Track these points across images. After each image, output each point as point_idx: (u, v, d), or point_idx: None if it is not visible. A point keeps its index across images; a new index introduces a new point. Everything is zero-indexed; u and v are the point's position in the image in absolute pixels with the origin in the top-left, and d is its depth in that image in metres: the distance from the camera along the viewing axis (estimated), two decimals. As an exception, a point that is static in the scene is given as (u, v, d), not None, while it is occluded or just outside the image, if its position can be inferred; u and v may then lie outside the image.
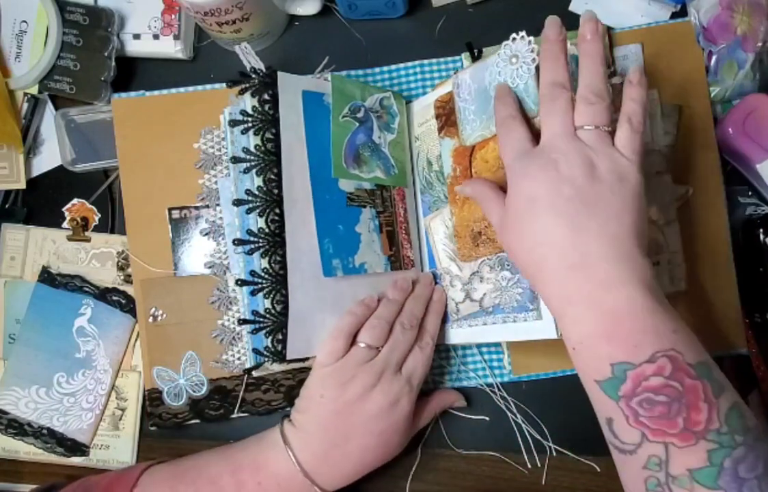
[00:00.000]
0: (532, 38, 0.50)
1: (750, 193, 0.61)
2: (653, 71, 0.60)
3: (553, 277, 0.44)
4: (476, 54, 0.61)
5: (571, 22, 0.62)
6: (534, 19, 0.63)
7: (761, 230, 0.58)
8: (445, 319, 0.57)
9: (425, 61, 0.63)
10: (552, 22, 0.48)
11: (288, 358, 0.51)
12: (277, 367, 0.54)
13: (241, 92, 0.52)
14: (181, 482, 0.53)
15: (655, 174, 0.60)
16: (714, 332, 0.59)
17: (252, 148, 0.51)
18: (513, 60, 0.51)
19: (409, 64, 0.63)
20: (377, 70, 0.63)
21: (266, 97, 0.52)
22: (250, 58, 0.53)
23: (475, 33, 0.62)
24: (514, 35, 0.50)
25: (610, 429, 0.42)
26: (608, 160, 0.44)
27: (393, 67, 0.63)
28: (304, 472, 0.52)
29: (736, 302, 0.59)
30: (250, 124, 0.52)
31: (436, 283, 0.59)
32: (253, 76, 0.52)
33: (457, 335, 0.57)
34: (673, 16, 0.62)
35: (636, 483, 0.42)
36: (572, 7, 0.63)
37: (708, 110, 0.60)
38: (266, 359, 0.51)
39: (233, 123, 0.52)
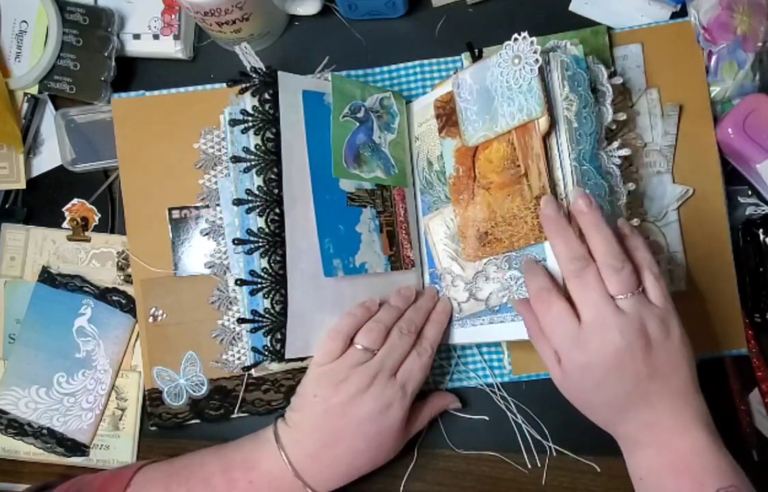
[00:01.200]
0: (534, 39, 0.50)
1: (750, 193, 0.61)
2: (653, 71, 0.60)
3: (625, 428, 0.48)
4: (476, 54, 0.61)
5: (572, 22, 0.62)
6: (534, 19, 0.64)
7: (761, 230, 0.58)
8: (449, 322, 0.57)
9: (425, 61, 0.63)
10: (547, 200, 0.49)
11: (287, 357, 0.51)
12: (276, 367, 0.54)
13: (242, 92, 0.52)
14: (174, 481, 0.53)
15: (656, 174, 0.60)
16: (714, 332, 0.59)
17: (252, 148, 0.51)
18: (516, 61, 0.51)
19: (409, 64, 0.63)
20: (377, 70, 0.63)
21: (266, 96, 0.52)
22: (250, 58, 0.53)
23: (475, 33, 0.62)
24: (516, 36, 0.50)
25: None
26: (653, 321, 0.46)
27: (393, 67, 0.63)
28: (296, 471, 0.52)
29: (736, 302, 0.59)
30: (250, 124, 0.52)
31: (435, 284, 0.59)
32: (254, 75, 0.52)
33: (459, 335, 0.57)
34: (673, 16, 0.62)
35: None
36: (572, 7, 0.63)
37: (708, 110, 0.60)
38: (265, 358, 0.51)
39: (233, 122, 0.52)
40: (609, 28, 0.61)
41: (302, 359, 0.53)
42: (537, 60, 0.49)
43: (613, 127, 0.56)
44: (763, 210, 0.61)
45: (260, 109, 0.52)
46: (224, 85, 0.61)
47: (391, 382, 0.53)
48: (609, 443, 0.51)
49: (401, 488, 0.60)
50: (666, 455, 0.47)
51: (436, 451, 0.61)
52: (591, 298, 0.46)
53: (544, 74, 0.51)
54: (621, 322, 0.45)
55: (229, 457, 0.54)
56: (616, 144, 0.56)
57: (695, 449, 0.46)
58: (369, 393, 0.52)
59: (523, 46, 0.50)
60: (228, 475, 0.52)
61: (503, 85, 0.52)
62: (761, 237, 0.58)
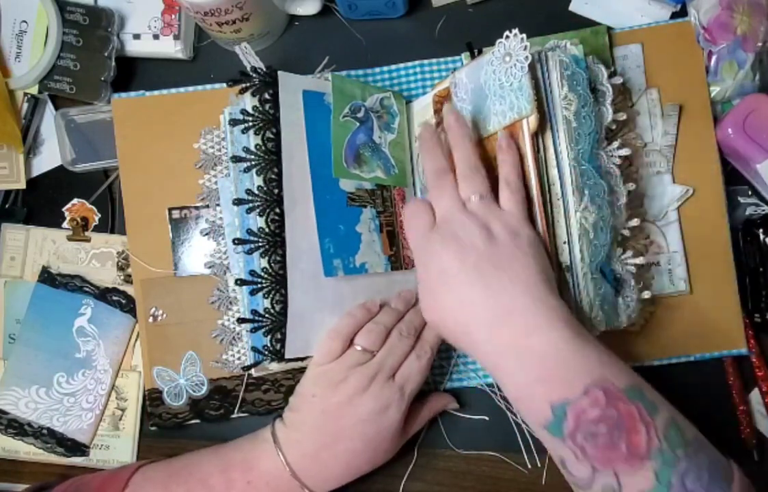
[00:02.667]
0: (524, 36, 0.49)
1: (750, 193, 0.61)
2: (653, 71, 0.60)
3: (480, 339, 0.47)
4: (476, 54, 0.61)
5: (572, 22, 0.62)
6: (534, 19, 0.64)
7: (761, 230, 0.58)
8: None
9: (425, 61, 0.63)
10: (425, 126, 0.54)
11: (286, 357, 0.51)
12: (276, 367, 0.54)
13: (242, 92, 0.52)
14: (173, 481, 0.53)
15: (656, 174, 0.60)
16: (714, 332, 0.59)
17: (252, 148, 0.51)
18: (507, 58, 0.51)
19: (409, 64, 0.63)
20: (377, 70, 0.63)
21: (267, 96, 0.52)
22: (250, 58, 0.53)
23: (475, 33, 0.62)
24: (507, 33, 0.50)
25: (565, 469, 0.44)
26: (499, 222, 0.48)
27: (393, 67, 0.63)
28: (293, 472, 0.52)
29: (736, 302, 0.59)
30: (250, 124, 0.52)
31: None
32: (254, 75, 0.52)
33: None
34: (673, 16, 0.62)
35: None
36: (572, 7, 0.63)
37: (708, 110, 0.60)
38: (265, 358, 0.51)
39: (233, 122, 0.52)
40: (609, 28, 0.61)
41: (302, 359, 0.53)
42: (527, 57, 0.49)
43: (613, 127, 0.56)
44: (763, 210, 0.61)
45: (260, 109, 0.52)
46: (224, 85, 0.61)
47: (390, 384, 0.52)
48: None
49: (401, 488, 0.60)
50: (527, 362, 0.45)
51: (436, 451, 0.61)
52: (443, 200, 0.50)
53: (535, 72, 0.51)
54: (464, 218, 0.48)
55: (227, 457, 0.54)
56: (616, 144, 0.56)
57: (556, 349, 0.44)
58: (367, 394, 0.52)
59: (513, 43, 0.50)
60: (226, 475, 0.52)
61: (495, 83, 0.52)
62: (761, 237, 0.58)
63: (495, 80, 0.51)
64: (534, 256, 0.47)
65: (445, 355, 0.61)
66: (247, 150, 0.51)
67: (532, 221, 0.50)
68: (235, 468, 0.53)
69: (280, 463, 0.52)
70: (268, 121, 0.52)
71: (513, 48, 0.50)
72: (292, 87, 0.53)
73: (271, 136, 0.52)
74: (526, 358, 0.45)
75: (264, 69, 0.52)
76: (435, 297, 0.49)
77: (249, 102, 0.52)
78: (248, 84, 0.52)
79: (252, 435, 0.55)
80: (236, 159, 0.51)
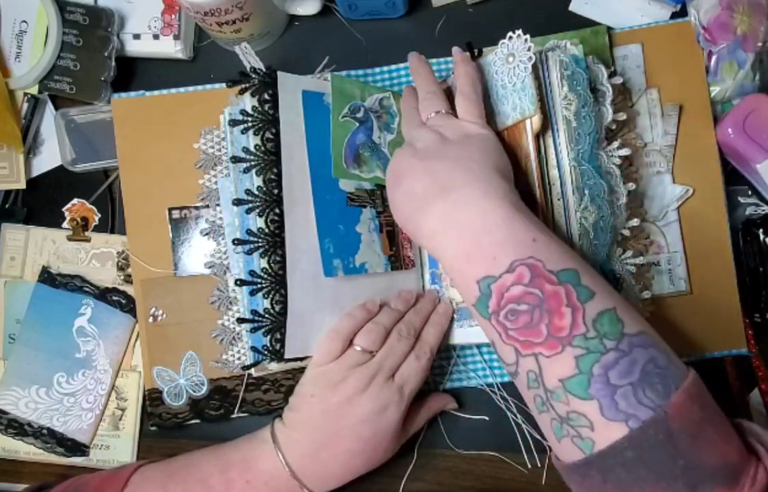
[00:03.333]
0: (528, 37, 0.50)
1: (750, 193, 0.61)
2: (653, 71, 0.60)
3: (422, 222, 0.47)
4: (476, 54, 0.61)
5: (572, 22, 0.62)
6: (534, 19, 0.64)
7: (761, 230, 0.58)
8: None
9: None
10: (414, 54, 0.56)
11: (286, 356, 0.51)
12: (275, 367, 0.54)
13: (241, 92, 0.52)
14: (171, 481, 0.53)
15: (656, 174, 0.60)
16: (714, 332, 0.59)
17: (252, 148, 0.51)
18: (510, 58, 0.51)
19: (409, 64, 0.63)
20: (377, 70, 0.63)
21: (266, 96, 0.52)
22: (250, 58, 0.53)
23: (475, 33, 0.62)
24: (510, 34, 0.50)
25: (496, 353, 0.44)
26: (453, 128, 0.49)
27: (393, 67, 0.63)
28: (292, 471, 0.52)
29: (736, 302, 0.59)
30: (249, 124, 0.52)
31: (435, 285, 0.58)
32: (253, 75, 0.52)
33: (459, 335, 0.57)
34: (673, 16, 0.62)
35: (530, 406, 0.43)
36: (572, 7, 0.63)
37: (708, 110, 0.60)
38: (265, 358, 0.51)
39: (233, 123, 0.52)
40: (609, 28, 0.61)
41: (301, 359, 0.53)
42: (530, 58, 0.49)
43: (613, 127, 0.56)
44: (763, 210, 0.61)
45: (260, 109, 0.52)
46: (224, 85, 0.61)
47: (389, 384, 0.52)
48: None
49: (401, 488, 0.60)
50: (457, 235, 0.45)
51: (436, 451, 0.61)
52: (408, 127, 0.53)
53: (538, 72, 0.51)
54: (420, 131, 0.50)
55: (226, 457, 0.54)
56: (616, 144, 0.56)
57: (485, 222, 0.44)
58: (366, 394, 0.52)
59: (517, 44, 0.50)
60: (225, 475, 0.52)
61: (498, 84, 0.52)
62: (761, 237, 0.58)
63: (498, 81, 0.51)
64: (484, 150, 0.48)
65: (445, 355, 0.61)
66: (246, 150, 0.51)
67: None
68: (234, 468, 0.53)
69: (279, 463, 0.52)
70: (267, 121, 0.52)
71: (516, 49, 0.50)
72: (291, 87, 0.53)
73: (271, 136, 0.52)
74: (458, 231, 0.45)
75: (263, 69, 0.52)
76: (392, 196, 0.51)
77: (248, 102, 0.52)
78: (248, 84, 0.52)
79: (251, 435, 0.55)
80: (236, 159, 0.51)
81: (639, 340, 0.40)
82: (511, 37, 0.50)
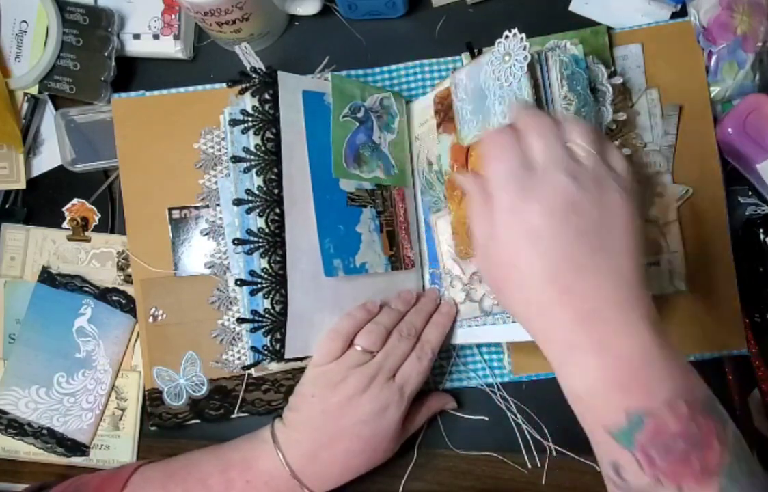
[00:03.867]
0: (523, 36, 0.49)
1: (750, 193, 0.61)
2: (653, 71, 0.60)
3: (558, 324, 0.40)
4: (476, 54, 0.61)
5: (572, 22, 0.62)
6: (534, 19, 0.64)
7: (761, 230, 0.58)
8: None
9: (425, 61, 0.63)
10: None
11: (286, 356, 0.51)
12: (275, 366, 0.54)
13: (242, 92, 0.52)
14: (171, 481, 0.53)
15: (656, 174, 0.60)
16: (714, 332, 0.59)
17: (252, 148, 0.51)
18: (506, 58, 0.50)
19: (409, 64, 0.63)
20: (377, 70, 0.63)
21: (266, 96, 0.52)
22: (250, 58, 0.53)
23: (475, 33, 0.62)
24: (507, 33, 0.50)
25: (616, 472, 0.39)
26: (612, 182, 0.40)
27: (393, 67, 0.63)
28: (292, 471, 0.52)
29: (736, 302, 0.59)
30: (250, 124, 0.51)
31: (435, 284, 0.58)
32: (254, 75, 0.52)
33: (459, 335, 0.57)
34: (673, 16, 0.62)
35: None
36: (572, 7, 0.63)
37: (708, 110, 0.60)
38: (265, 358, 0.51)
39: (233, 122, 0.52)
40: (609, 28, 0.61)
41: (302, 359, 0.53)
42: (526, 56, 0.49)
43: (613, 127, 0.56)
44: (763, 210, 0.61)
45: (260, 109, 0.52)
46: (224, 85, 0.61)
47: (389, 385, 0.52)
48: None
49: (401, 488, 0.60)
50: (609, 362, 0.38)
51: (436, 451, 0.61)
52: (548, 142, 0.41)
53: (534, 72, 0.51)
54: (577, 168, 0.40)
55: (226, 457, 0.54)
56: (616, 144, 0.56)
57: (643, 353, 0.38)
58: (366, 394, 0.52)
59: (513, 43, 0.50)
60: (225, 475, 0.52)
61: (495, 83, 0.51)
62: (761, 237, 0.58)
63: (495, 80, 0.51)
64: (638, 236, 0.40)
65: (445, 355, 0.61)
66: (246, 150, 0.51)
67: None
68: (234, 468, 0.53)
69: (279, 463, 0.52)
70: (267, 121, 0.52)
71: (512, 48, 0.50)
72: (292, 87, 0.53)
73: (271, 136, 0.52)
74: (609, 357, 0.39)
75: (264, 69, 0.52)
76: (510, 253, 0.41)
77: (249, 102, 0.52)
78: (248, 84, 0.52)
79: (251, 435, 0.55)
80: (236, 159, 0.51)
81: (753, 458, 0.40)
82: (507, 37, 0.50)
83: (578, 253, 0.39)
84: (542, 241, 0.39)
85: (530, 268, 0.40)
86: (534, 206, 0.39)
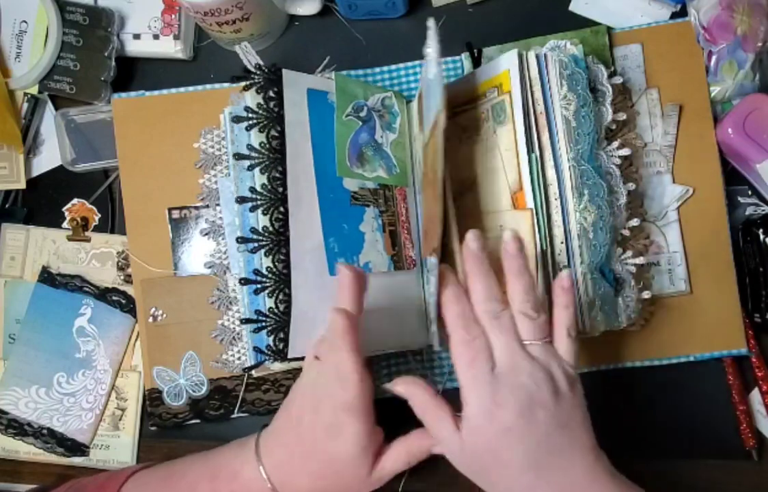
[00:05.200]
0: (433, 28, 0.45)
1: (750, 193, 0.61)
2: (653, 71, 0.61)
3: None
4: (476, 54, 0.61)
5: (572, 22, 0.62)
6: (534, 19, 0.64)
7: (761, 230, 0.59)
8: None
9: (425, 61, 0.63)
10: (475, 236, 0.48)
11: (289, 356, 0.51)
12: (277, 367, 0.53)
13: (246, 88, 0.52)
14: (163, 487, 0.52)
15: (656, 174, 0.60)
16: (714, 332, 0.59)
17: (256, 146, 0.51)
18: (428, 52, 0.46)
19: (409, 64, 0.63)
20: (377, 70, 0.63)
21: (271, 94, 0.52)
22: (250, 58, 0.53)
23: (475, 33, 0.62)
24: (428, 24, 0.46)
25: None
26: (561, 372, 0.46)
27: (393, 67, 0.63)
28: (271, 483, 0.49)
29: (736, 302, 0.59)
30: (255, 121, 0.51)
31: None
32: (258, 72, 0.52)
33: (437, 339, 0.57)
34: (673, 16, 0.62)
35: None
36: (572, 7, 0.63)
37: (708, 110, 0.60)
38: (268, 358, 0.51)
39: (236, 119, 0.51)
40: (609, 28, 0.61)
41: (303, 359, 0.53)
42: (429, 52, 0.45)
43: (613, 127, 0.57)
44: (763, 210, 0.61)
45: (265, 106, 0.52)
46: (224, 85, 0.61)
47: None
48: (608, 444, 0.51)
49: (401, 488, 0.60)
50: None
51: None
52: (505, 342, 0.46)
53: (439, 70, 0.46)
54: (532, 366, 0.45)
55: (215, 463, 0.53)
56: (615, 144, 0.56)
57: None
58: (328, 413, 0.48)
59: (429, 36, 0.46)
60: (213, 483, 0.51)
61: (427, 79, 0.49)
62: (761, 237, 0.59)
63: (426, 76, 0.49)
64: (585, 410, 0.47)
65: (445, 355, 0.61)
66: (250, 148, 0.51)
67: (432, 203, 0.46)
68: (221, 476, 0.51)
69: (260, 474, 0.50)
70: (272, 118, 0.52)
71: (429, 42, 0.46)
72: (297, 85, 0.53)
73: (276, 134, 0.52)
74: None
75: (266, 67, 0.52)
76: (491, 455, 0.46)
77: (252, 100, 0.52)
78: (253, 81, 0.52)
79: (240, 441, 0.54)
80: (239, 156, 0.51)
81: None
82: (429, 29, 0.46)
83: (549, 440, 0.44)
84: (517, 438, 0.44)
85: (510, 460, 0.45)
86: (504, 411, 0.44)
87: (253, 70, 0.52)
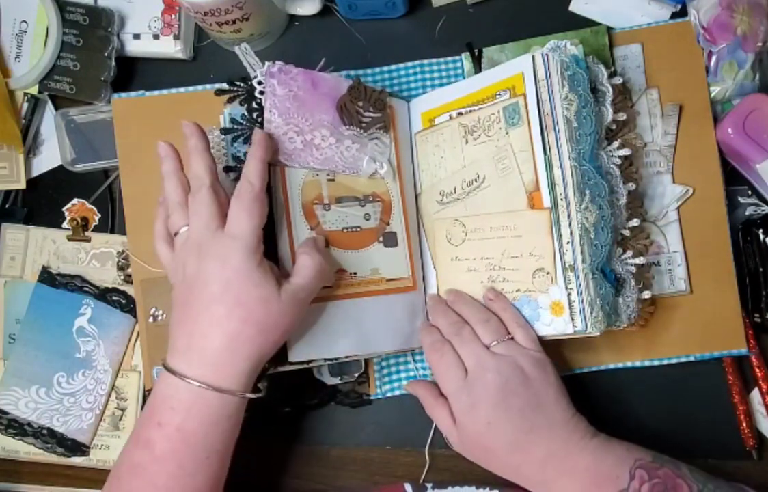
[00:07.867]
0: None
1: (750, 193, 0.61)
2: (653, 71, 0.60)
3: (531, 473, 0.51)
4: (476, 54, 0.61)
5: (572, 22, 0.62)
6: (534, 19, 0.64)
7: (761, 230, 0.58)
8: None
9: (425, 61, 0.63)
10: (432, 296, 0.59)
11: (291, 359, 0.51)
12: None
13: (229, 101, 0.53)
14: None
15: (656, 174, 0.60)
16: (714, 332, 0.59)
17: (242, 156, 0.52)
18: None
19: (409, 64, 0.63)
20: (377, 70, 0.63)
21: (254, 105, 0.52)
22: (249, 59, 0.53)
23: (475, 33, 0.62)
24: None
25: None
26: (526, 358, 0.52)
27: (393, 67, 0.63)
28: (176, 373, 0.47)
29: (736, 302, 0.59)
30: (238, 133, 0.52)
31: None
32: (240, 85, 0.52)
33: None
34: (673, 16, 0.62)
35: None
36: (572, 7, 0.63)
37: (708, 110, 0.60)
38: (269, 366, 0.51)
39: (225, 131, 0.52)
40: (609, 28, 0.61)
41: (307, 363, 0.53)
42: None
43: (613, 127, 0.56)
44: (763, 210, 0.61)
45: (248, 117, 0.52)
46: (224, 85, 0.61)
47: (218, 235, 0.47)
48: (609, 443, 0.51)
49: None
50: (578, 477, 0.49)
51: (436, 451, 0.61)
52: (470, 349, 0.53)
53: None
54: (497, 361, 0.51)
55: (150, 410, 0.49)
56: (616, 144, 0.56)
57: (595, 458, 0.50)
58: (203, 258, 0.47)
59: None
60: (153, 420, 0.47)
61: None
62: (761, 237, 0.58)
63: None
64: (558, 386, 0.52)
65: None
66: (236, 158, 0.52)
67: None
68: (155, 412, 0.48)
69: (172, 379, 0.47)
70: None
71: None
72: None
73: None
74: (576, 474, 0.49)
75: (263, 70, 0.53)
76: (481, 445, 0.52)
77: (237, 111, 0.53)
78: (234, 93, 0.52)
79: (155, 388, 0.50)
80: (227, 169, 0.51)
81: (710, 475, 0.49)
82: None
83: (526, 422, 0.50)
84: (497, 428, 0.51)
85: (496, 447, 0.51)
86: (481, 408, 0.51)
87: (235, 82, 0.53)
